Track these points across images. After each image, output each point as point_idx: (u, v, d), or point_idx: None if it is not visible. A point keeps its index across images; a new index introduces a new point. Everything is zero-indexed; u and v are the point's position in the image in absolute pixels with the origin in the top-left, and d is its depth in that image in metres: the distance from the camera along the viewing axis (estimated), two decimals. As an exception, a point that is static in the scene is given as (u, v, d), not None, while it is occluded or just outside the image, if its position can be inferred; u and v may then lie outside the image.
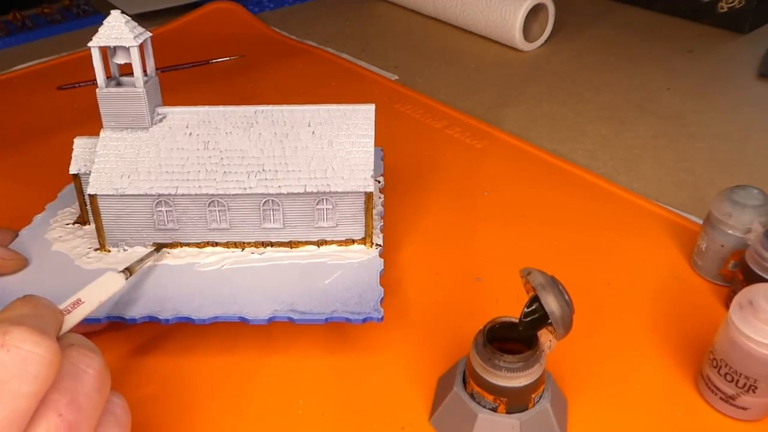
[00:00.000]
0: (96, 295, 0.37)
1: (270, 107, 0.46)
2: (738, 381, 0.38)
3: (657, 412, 0.41)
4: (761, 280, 0.43)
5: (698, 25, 0.96)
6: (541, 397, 0.37)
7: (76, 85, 0.76)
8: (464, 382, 0.39)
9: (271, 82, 0.79)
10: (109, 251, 0.45)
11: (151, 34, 0.44)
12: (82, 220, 0.48)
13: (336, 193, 0.44)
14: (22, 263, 0.44)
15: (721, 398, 0.40)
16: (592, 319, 0.46)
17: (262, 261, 0.45)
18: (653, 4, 1.01)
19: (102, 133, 0.45)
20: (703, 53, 0.88)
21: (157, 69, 0.46)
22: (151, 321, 0.41)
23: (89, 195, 0.44)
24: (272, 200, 0.44)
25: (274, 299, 0.42)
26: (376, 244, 0.46)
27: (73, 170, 0.46)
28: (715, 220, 0.48)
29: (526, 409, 0.37)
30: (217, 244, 0.46)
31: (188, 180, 0.44)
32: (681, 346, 0.45)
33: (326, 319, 0.41)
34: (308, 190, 0.44)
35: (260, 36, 0.92)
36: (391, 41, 0.93)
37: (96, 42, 0.43)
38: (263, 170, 0.44)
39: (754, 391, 0.38)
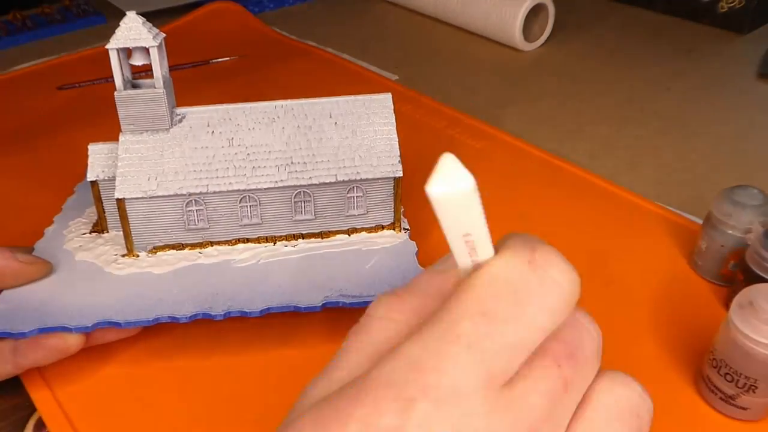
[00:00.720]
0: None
1: (289, 101, 0.46)
2: (738, 381, 0.38)
3: (657, 412, 0.41)
4: (761, 280, 0.43)
5: (698, 25, 0.96)
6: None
7: (77, 85, 0.76)
8: (464, 382, 0.38)
9: (271, 82, 0.79)
10: (138, 256, 0.45)
11: (165, 35, 0.44)
12: (99, 228, 0.47)
13: (366, 180, 0.46)
14: (47, 268, 0.43)
15: (721, 398, 0.40)
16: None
17: (296, 252, 0.46)
18: (653, 4, 1.01)
19: (122, 137, 0.44)
20: (703, 53, 0.88)
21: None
22: (204, 318, 0.41)
23: (117, 199, 0.43)
24: (304, 192, 0.45)
25: (322, 287, 0.43)
26: (404, 229, 0.48)
27: (91, 177, 0.45)
28: (715, 220, 0.48)
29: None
30: (248, 240, 0.46)
31: (217, 177, 0.44)
32: (681, 346, 0.45)
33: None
34: (339, 179, 0.45)
35: (260, 36, 0.92)
36: (391, 41, 0.93)
37: (114, 44, 0.42)
38: (292, 163, 0.45)
39: (754, 391, 0.38)
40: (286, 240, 0.46)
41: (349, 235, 0.47)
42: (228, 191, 0.44)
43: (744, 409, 0.39)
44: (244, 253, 0.46)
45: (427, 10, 0.99)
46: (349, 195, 0.46)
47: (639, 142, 0.69)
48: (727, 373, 0.39)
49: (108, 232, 0.47)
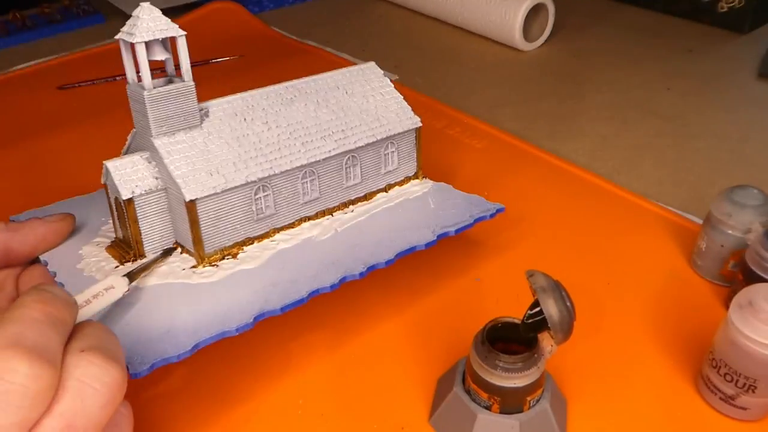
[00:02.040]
0: (106, 297, 0.35)
1: (294, 81, 0.47)
2: (738, 381, 0.38)
3: (657, 412, 0.41)
4: (761, 280, 0.43)
5: (698, 25, 0.96)
6: (537, 401, 0.37)
7: (77, 84, 0.76)
8: (464, 382, 0.38)
9: (271, 82, 0.79)
10: (211, 262, 0.41)
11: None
12: (133, 256, 0.41)
13: (398, 134, 0.48)
14: (72, 219, 0.43)
15: (720, 398, 0.40)
16: (592, 319, 0.46)
17: (360, 216, 0.47)
18: (653, 4, 1.01)
19: (156, 141, 0.40)
20: (703, 53, 0.88)
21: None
22: (350, 280, 0.42)
23: (188, 202, 0.39)
24: (352, 156, 0.46)
25: (423, 226, 0.46)
26: (424, 176, 0.51)
27: (125, 194, 0.39)
28: (715, 220, 0.48)
29: (521, 410, 0.37)
30: (308, 218, 0.46)
31: (276, 159, 0.43)
32: (681, 346, 0.45)
33: (474, 221, 0.47)
34: (378, 138, 0.47)
35: (260, 36, 0.92)
36: (391, 41, 0.93)
37: (141, 37, 0.37)
38: (332, 133, 0.46)
39: (753, 391, 0.38)
40: (340, 209, 0.47)
41: (387, 191, 0.49)
42: (292, 169, 0.43)
43: (743, 409, 0.39)
44: (314, 230, 0.45)
45: (427, 10, 0.99)
46: (385, 152, 0.48)
47: (639, 142, 0.69)
48: (727, 373, 0.39)
49: (145, 256, 0.41)
